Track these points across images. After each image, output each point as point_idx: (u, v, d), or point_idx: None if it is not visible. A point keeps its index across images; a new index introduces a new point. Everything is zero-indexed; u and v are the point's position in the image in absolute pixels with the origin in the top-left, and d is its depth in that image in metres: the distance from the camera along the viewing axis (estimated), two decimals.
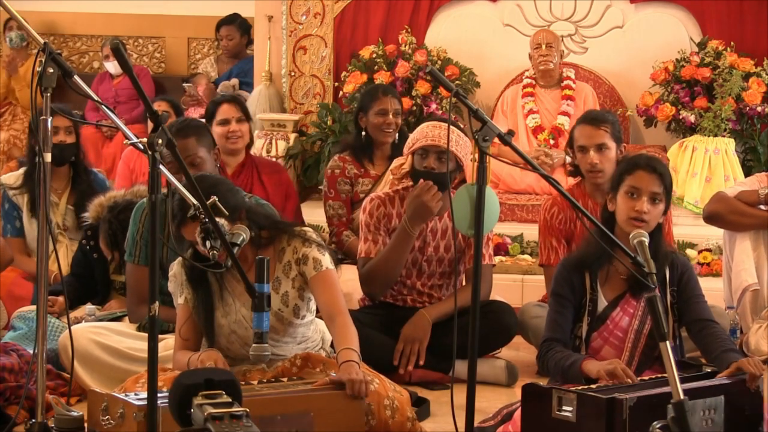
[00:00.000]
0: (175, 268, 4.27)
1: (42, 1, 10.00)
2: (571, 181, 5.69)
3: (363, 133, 6.27)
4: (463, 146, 5.15)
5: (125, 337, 4.83)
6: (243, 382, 3.94)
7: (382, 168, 6.22)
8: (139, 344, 4.71)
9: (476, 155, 3.64)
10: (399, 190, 5.30)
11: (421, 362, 5.14)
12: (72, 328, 4.65)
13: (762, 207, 5.37)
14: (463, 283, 5.36)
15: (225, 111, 6.14)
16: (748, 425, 4.00)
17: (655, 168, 4.32)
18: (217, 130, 6.07)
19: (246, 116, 6.25)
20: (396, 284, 5.31)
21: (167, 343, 4.62)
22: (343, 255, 5.97)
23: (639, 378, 4.09)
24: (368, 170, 6.26)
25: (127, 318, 5.10)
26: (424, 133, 5.16)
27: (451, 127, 5.18)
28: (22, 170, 6.10)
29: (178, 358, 4.23)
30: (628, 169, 4.37)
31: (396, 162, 5.40)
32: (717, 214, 5.45)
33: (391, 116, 6.20)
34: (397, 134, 6.25)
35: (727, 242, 5.50)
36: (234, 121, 6.13)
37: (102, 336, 4.81)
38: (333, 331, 4.22)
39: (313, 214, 6.73)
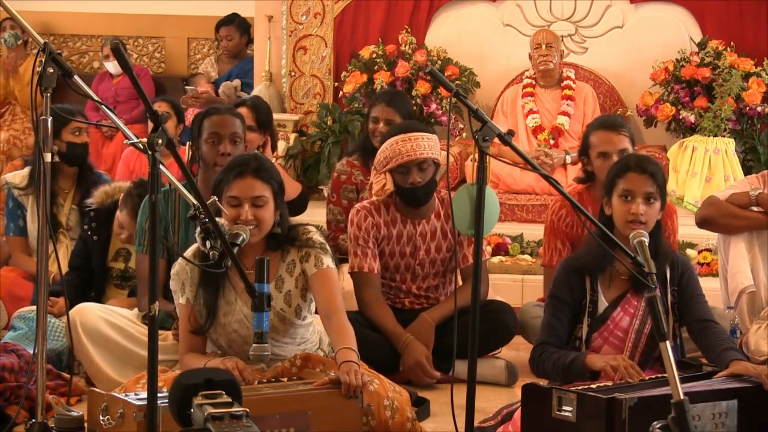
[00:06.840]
0: (178, 265, 4.27)
1: (42, 1, 9.99)
2: (574, 184, 5.65)
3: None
4: (434, 146, 5.18)
5: (132, 322, 4.90)
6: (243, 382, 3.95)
7: None
8: (145, 329, 4.72)
9: (476, 155, 3.64)
10: (384, 198, 5.27)
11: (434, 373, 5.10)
12: (82, 305, 4.71)
13: (753, 208, 5.37)
14: (458, 281, 5.35)
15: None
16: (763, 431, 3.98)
17: (645, 168, 4.31)
18: None
19: (258, 126, 6.15)
20: (392, 290, 5.32)
21: (167, 340, 4.67)
22: (340, 255, 5.95)
23: (639, 378, 4.08)
24: None
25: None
26: (397, 151, 5.15)
27: (423, 134, 5.18)
28: (27, 170, 6.08)
29: (188, 362, 4.20)
30: (619, 172, 4.36)
31: (376, 184, 5.28)
32: (709, 218, 5.43)
33: (381, 125, 6.06)
34: None
35: (722, 245, 5.48)
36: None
37: (111, 316, 4.87)
38: (329, 328, 4.22)
39: (313, 214, 6.70)
